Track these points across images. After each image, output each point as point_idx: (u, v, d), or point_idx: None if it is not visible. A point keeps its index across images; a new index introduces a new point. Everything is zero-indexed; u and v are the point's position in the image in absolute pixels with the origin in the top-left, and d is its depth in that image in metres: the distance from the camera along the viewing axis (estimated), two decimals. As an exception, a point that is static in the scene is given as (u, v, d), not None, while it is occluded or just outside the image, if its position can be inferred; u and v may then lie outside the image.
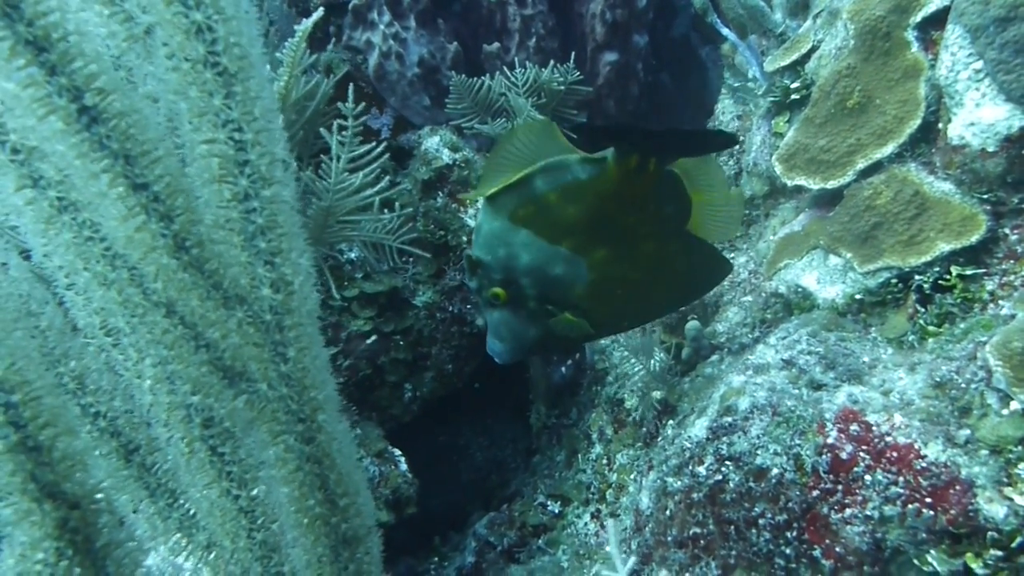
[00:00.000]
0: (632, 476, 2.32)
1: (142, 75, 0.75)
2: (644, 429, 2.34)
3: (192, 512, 1.08)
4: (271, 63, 2.11)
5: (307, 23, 1.91)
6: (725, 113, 2.78)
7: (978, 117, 1.61)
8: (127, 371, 0.94)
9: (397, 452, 2.35)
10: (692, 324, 2.16)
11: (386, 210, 2.25)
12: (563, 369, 3.12)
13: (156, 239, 0.75)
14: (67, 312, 0.98)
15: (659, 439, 1.99)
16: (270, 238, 0.79)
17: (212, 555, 1.08)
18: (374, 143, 2.16)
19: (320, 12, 2.01)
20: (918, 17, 1.82)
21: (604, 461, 2.53)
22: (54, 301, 0.99)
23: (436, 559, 2.83)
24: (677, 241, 1.52)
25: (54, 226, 0.74)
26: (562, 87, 2.76)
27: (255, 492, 1.01)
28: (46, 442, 0.84)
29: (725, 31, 2.42)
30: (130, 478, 1.07)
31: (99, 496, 0.85)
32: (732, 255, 2.50)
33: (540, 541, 2.61)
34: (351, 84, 2.15)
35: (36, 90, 0.65)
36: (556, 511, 2.63)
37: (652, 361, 2.20)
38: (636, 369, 2.27)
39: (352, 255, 2.51)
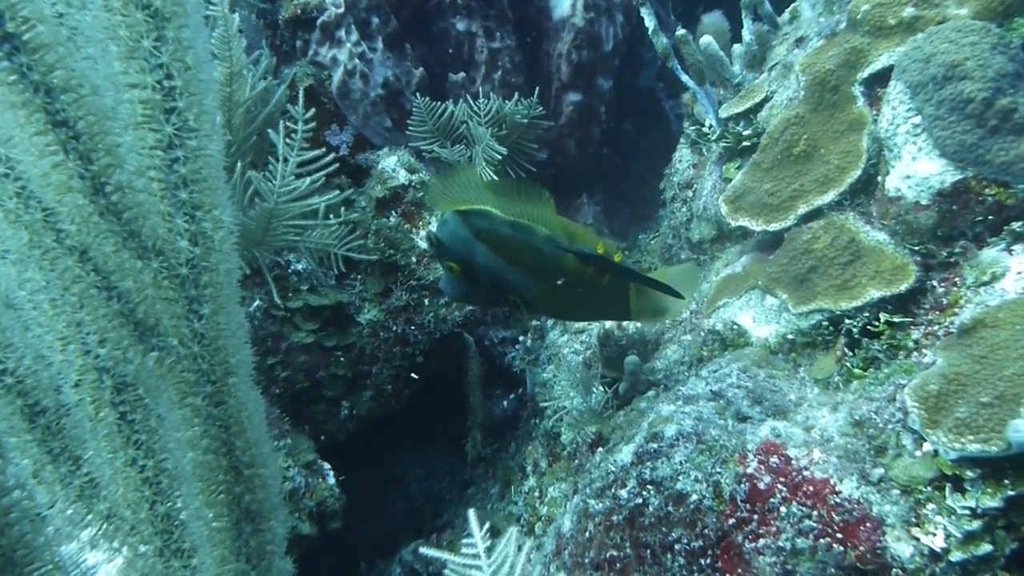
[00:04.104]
0: (562, 508, 2.31)
1: (72, 10, 0.75)
2: (577, 462, 2.34)
3: (95, 480, 1.06)
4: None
5: (223, 9, 1.90)
6: (682, 161, 2.83)
7: (914, 170, 1.66)
8: (40, 327, 0.92)
9: (326, 466, 2.32)
10: (631, 359, 2.17)
11: (332, 217, 2.24)
12: (505, 403, 3.12)
13: (73, 179, 0.75)
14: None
15: (588, 466, 1.99)
16: (193, 190, 0.79)
17: (112, 526, 1.06)
18: (323, 150, 2.16)
19: None
20: (865, 73, 1.88)
21: (536, 494, 2.51)
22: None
23: (360, 584, 2.79)
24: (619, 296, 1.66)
25: (-32, 158, 0.74)
26: (524, 120, 2.80)
27: (162, 464, 0.99)
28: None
29: (684, 76, 2.48)
30: (33, 441, 1.04)
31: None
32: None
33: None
34: (306, 92, 2.15)
35: (-44, 12, 0.65)
36: (486, 543, 2.60)
37: (590, 395, 2.21)
38: (574, 403, 2.28)
39: (299, 266, 2.49)
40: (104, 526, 1.06)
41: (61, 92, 0.72)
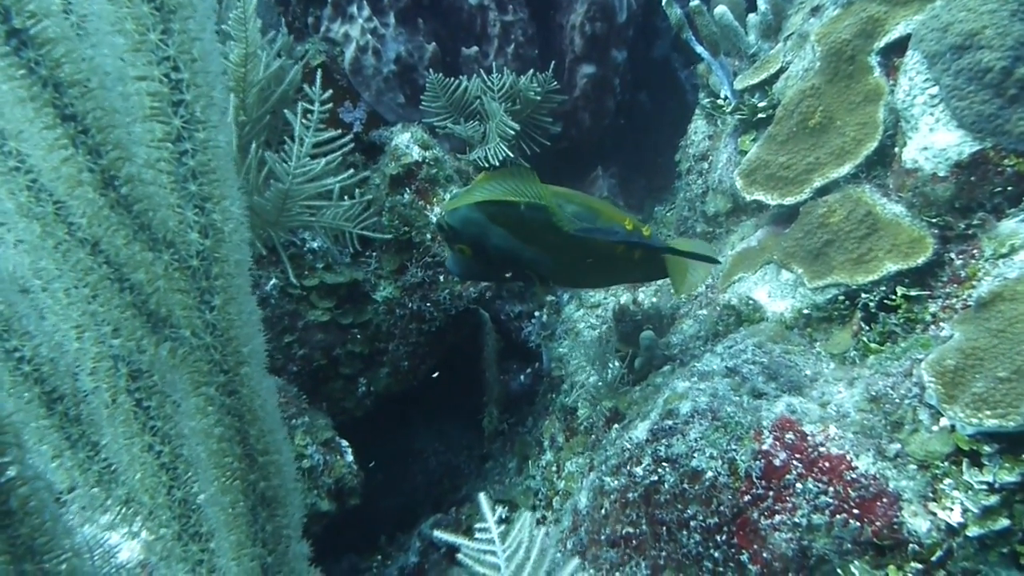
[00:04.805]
0: (579, 483, 2.32)
1: (79, 5, 0.75)
2: (594, 437, 2.35)
3: (112, 466, 1.07)
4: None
5: None
6: (697, 132, 2.81)
7: (931, 142, 1.64)
8: (55, 316, 0.93)
9: (344, 443, 2.33)
10: (646, 334, 2.17)
11: (346, 198, 2.24)
12: (521, 377, 3.12)
13: (83, 173, 0.75)
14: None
15: (604, 442, 2.00)
16: (202, 182, 0.79)
17: (130, 511, 1.07)
18: (340, 132, 2.15)
19: None
20: (882, 43, 1.86)
21: (553, 468, 2.53)
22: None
23: (380, 557, 2.82)
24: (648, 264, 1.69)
25: (-21, 152, 0.74)
26: (538, 97, 2.78)
27: (178, 449, 1.01)
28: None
29: (699, 48, 2.45)
30: (52, 427, 1.05)
31: (7, 430, 0.85)
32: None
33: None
34: (320, 71, 2.14)
35: (-37, 8, 0.65)
36: (504, 516, 2.63)
37: (606, 370, 2.21)
38: (590, 378, 2.28)
39: (314, 245, 2.50)
40: (123, 510, 1.08)
41: (69, 87, 0.72)
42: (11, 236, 0.86)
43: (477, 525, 1.19)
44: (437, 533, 1.23)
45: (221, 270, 0.84)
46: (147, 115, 0.76)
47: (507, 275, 1.67)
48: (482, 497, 1.20)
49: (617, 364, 2.22)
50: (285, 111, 2.23)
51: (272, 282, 2.41)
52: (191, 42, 0.75)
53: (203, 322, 0.86)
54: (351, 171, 2.23)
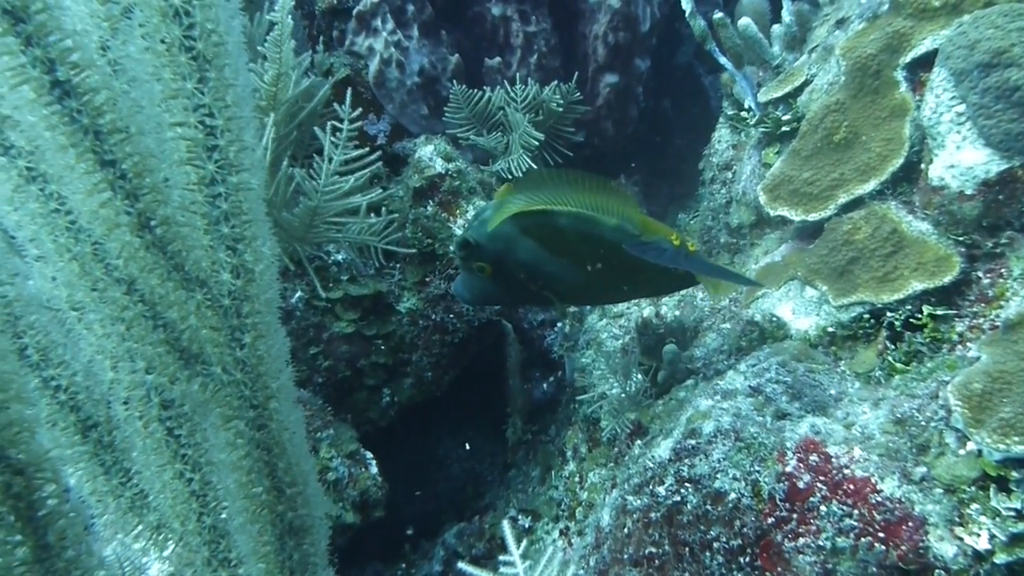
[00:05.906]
0: (602, 496, 2.32)
1: (118, 55, 0.77)
2: (616, 449, 2.35)
3: (144, 492, 1.09)
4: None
5: (283, 15, 1.91)
6: (721, 142, 2.80)
7: (958, 160, 1.63)
8: (90, 346, 0.95)
9: (369, 455, 2.35)
10: (669, 347, 2.17)
11: (373, 215, 2.26)
12: (544, 386, 3.13)
13: (120, 216, 0.77)
14: (37, 284, 0.99)
15: (627, 458, 2.00)
16: (234, 224, 0.81)
17: (161, 536, 1.09)
18: (368, 149, 2.17)
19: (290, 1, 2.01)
20: (908, 58, 1.85)
21: (576, 479, 2.53)
22: (24, 273, 1.00)
23: (404, 565, 2.84)
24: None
25: (21, 195, 0.76)
26: (560, 108, 2.78)
27: (208, 477, 1.02)
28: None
29: (722, 59, 2.45)
30: (86, 454, 1.08)
31: (46, 465, 0.87)
32: (715, 282, 2.51)
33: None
34: (349, 88, 2.16)
35: (11, 59, 0.67)
36: (526, 526, 2.64)
37: (629, 382, 2.22)
38: (613, 389, 2.29)
39: (339, 257, 2.52)
40: (154, 536, 1.10)
41: (109, 134, 0.74)
42: (49, 272, 0.88)
43: (501, 558, 1.19)
44: (461, 565, 1.24)
45: (252, 308, 0.86)
46: (182, 160, 0.78)
47: (523, 296, 1.65)
48: (506, 525, 1.20)
49: (640, 377, 2.22)
50: (316, 130, 2.26)
51: (298, 294, 2.43)
52: (225, 89, 0.76)
53: (234, 359, 0.87)
54: (379, 189, 2.25)
